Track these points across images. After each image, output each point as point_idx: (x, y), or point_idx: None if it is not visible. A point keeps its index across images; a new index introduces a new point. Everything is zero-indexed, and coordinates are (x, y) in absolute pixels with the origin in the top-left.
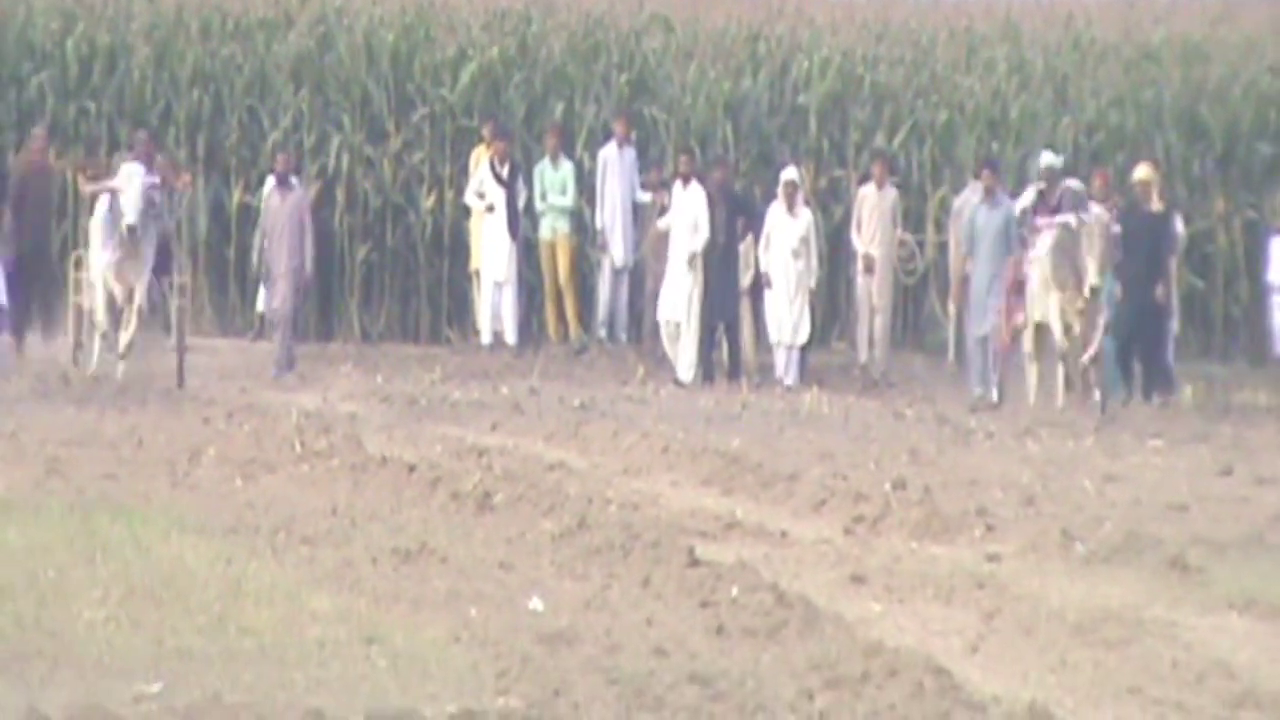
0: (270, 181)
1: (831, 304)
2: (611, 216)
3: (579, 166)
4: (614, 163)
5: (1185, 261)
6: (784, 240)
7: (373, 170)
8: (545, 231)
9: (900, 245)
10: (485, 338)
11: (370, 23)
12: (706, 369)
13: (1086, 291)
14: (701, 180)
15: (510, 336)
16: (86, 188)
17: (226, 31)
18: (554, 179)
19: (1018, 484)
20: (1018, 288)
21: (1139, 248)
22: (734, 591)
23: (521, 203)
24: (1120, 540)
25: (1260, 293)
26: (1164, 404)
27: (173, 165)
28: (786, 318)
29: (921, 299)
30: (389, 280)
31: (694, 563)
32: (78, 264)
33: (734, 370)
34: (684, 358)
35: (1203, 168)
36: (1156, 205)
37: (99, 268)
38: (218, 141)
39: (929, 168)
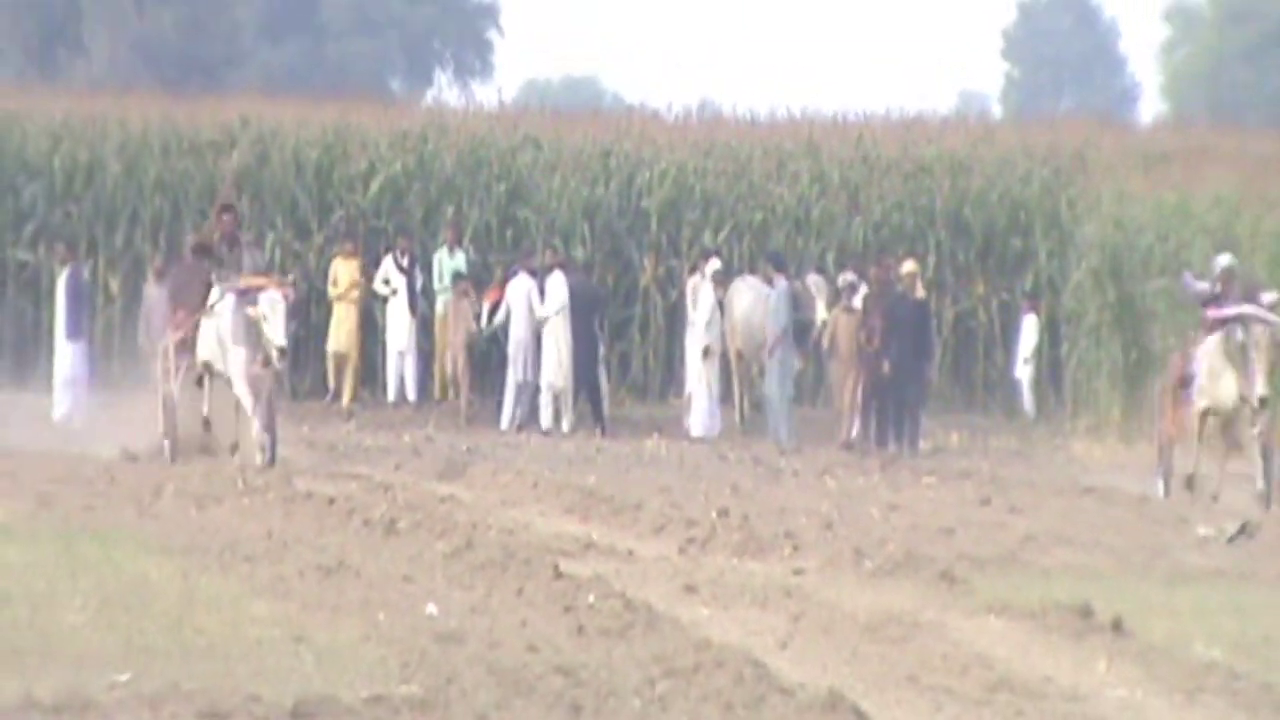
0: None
1: (669, 367)
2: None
3: (467, 255)
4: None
5: (952, 334)
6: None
7: (299, 262)
8: (441, 308)
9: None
10: (391, 395)
11: (298, 142)
12: (598, 418)
13: (1255, 402)
14: (565, 269)
15: (411, 394)
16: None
17: (182, 149)
18: (450, 265)
19: (819, 512)
20: (1184, 381)
21: (906, 328)
22: (591, 599)
23: (419, 286)
24: (901, 557)
25: (1011, 360)
26: (913, 453)
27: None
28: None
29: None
30: (312, 349)
31: (558, 576)
32: (166, 353)
33: (598, 420)
34: (551, 411)
35: (966, 259)
36: (920, 293)
37: (236, 364)
38: (175, 239)
39: (747, 258)
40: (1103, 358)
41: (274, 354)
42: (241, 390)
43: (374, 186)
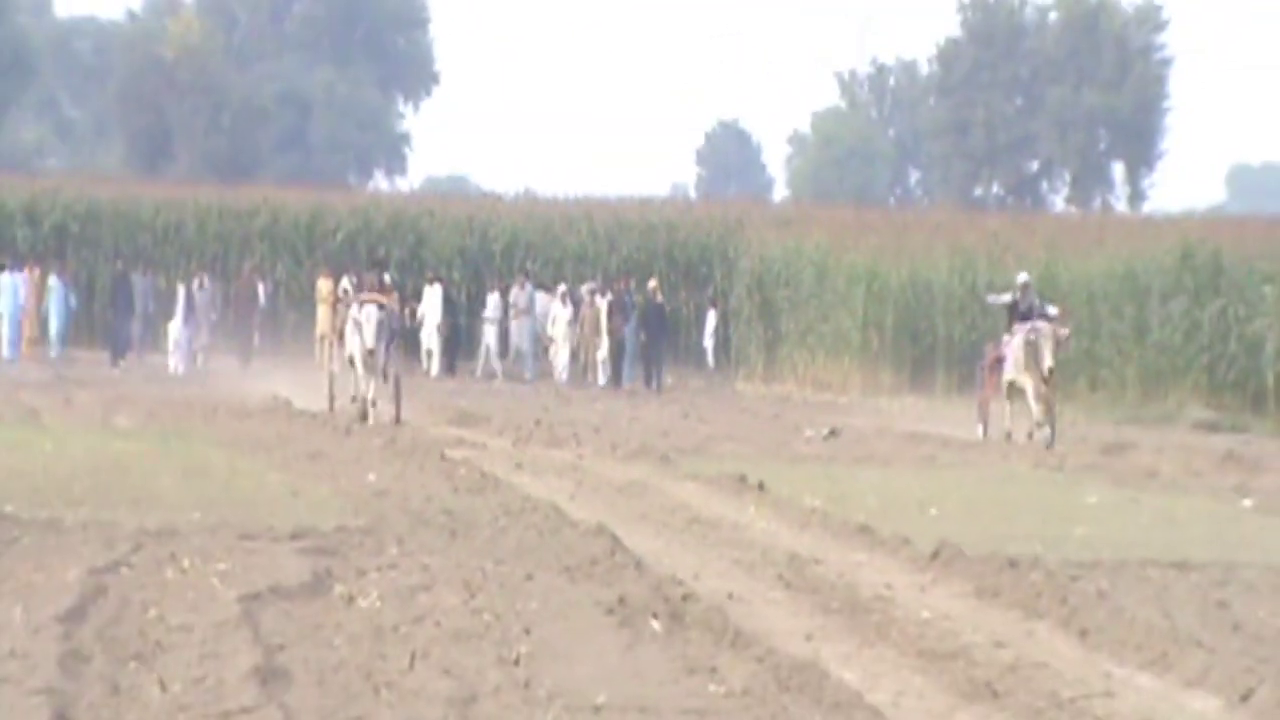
0: None
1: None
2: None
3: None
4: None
5: (669, 321)
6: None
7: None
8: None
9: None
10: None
11: (305, 213)
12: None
13: (1045, 372)
14: (441, 282)
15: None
16: (341, 309)
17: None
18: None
19: (591, 423)
20: (997, 362)
21: (653, 319)
22: (462, 471)
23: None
24: (637, 447)
25: (700, 336)
26: (660, 389)
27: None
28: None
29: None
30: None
31: (443, 459)
32: (325, 342)
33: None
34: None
35: (676, 278)
36: (659, 299)
37: (357, 353)
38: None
39: (550, 280)
40: (752, 335)
41: (363, 353)
42: (360, 368)
43: (339, 237)
